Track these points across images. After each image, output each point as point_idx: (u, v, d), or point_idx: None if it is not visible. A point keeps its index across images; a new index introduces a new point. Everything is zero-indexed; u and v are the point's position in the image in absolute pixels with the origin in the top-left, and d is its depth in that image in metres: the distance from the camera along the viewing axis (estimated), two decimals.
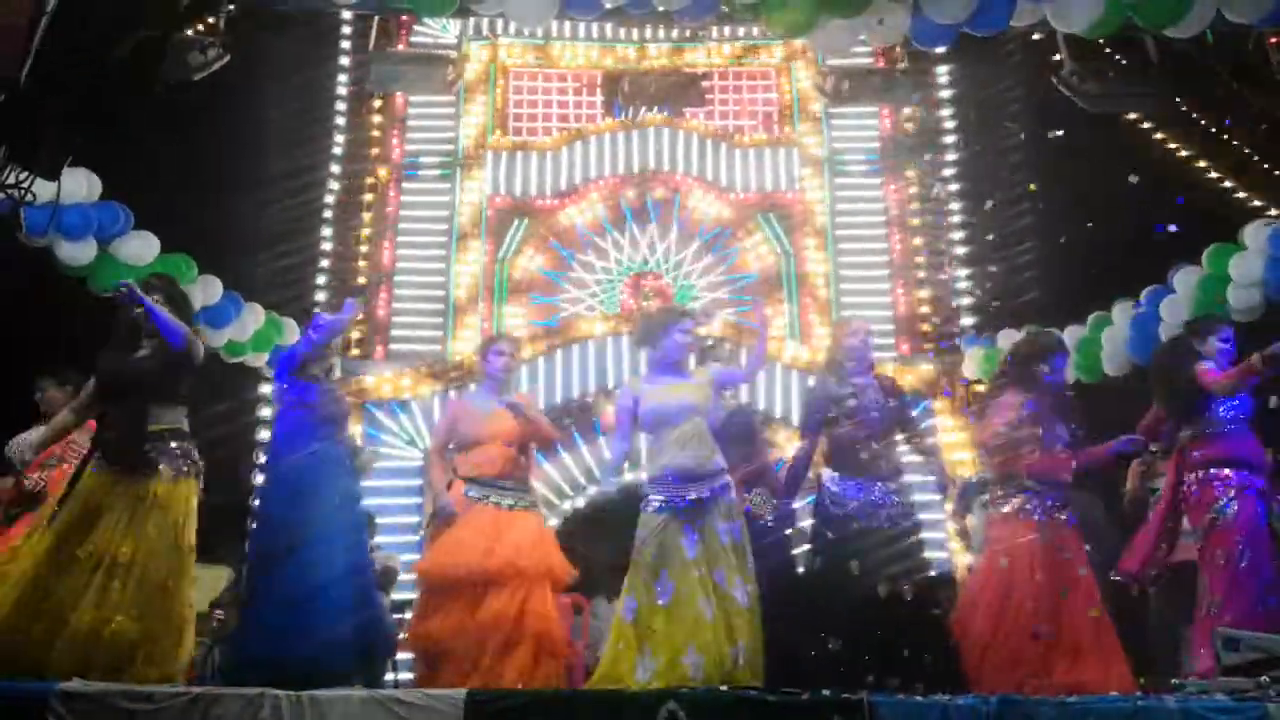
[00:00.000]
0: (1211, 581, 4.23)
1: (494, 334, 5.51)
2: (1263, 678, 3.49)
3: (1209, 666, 3.91)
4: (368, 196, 8.93)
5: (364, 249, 8.78)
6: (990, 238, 8.71)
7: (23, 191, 3.27)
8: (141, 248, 6.33)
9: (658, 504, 3.94)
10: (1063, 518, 4.35)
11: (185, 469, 3.99)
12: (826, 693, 3.45)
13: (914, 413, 4.88)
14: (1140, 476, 5.31)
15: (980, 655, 4.21)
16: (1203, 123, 7.32)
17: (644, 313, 4.83)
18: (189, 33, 6.16)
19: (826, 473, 4.53)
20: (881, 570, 4.21)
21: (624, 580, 3.96)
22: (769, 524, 4.60)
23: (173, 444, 3.98)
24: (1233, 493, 4.26)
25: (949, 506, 6.21)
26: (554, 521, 7.12)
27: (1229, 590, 4.15)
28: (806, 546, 4.68)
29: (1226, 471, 4.30)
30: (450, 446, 4.66)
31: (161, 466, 3.93)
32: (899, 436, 4.59)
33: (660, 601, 3.77)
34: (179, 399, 4.07)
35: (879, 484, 4.37)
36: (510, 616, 4.13)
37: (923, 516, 4.74)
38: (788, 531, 4.70)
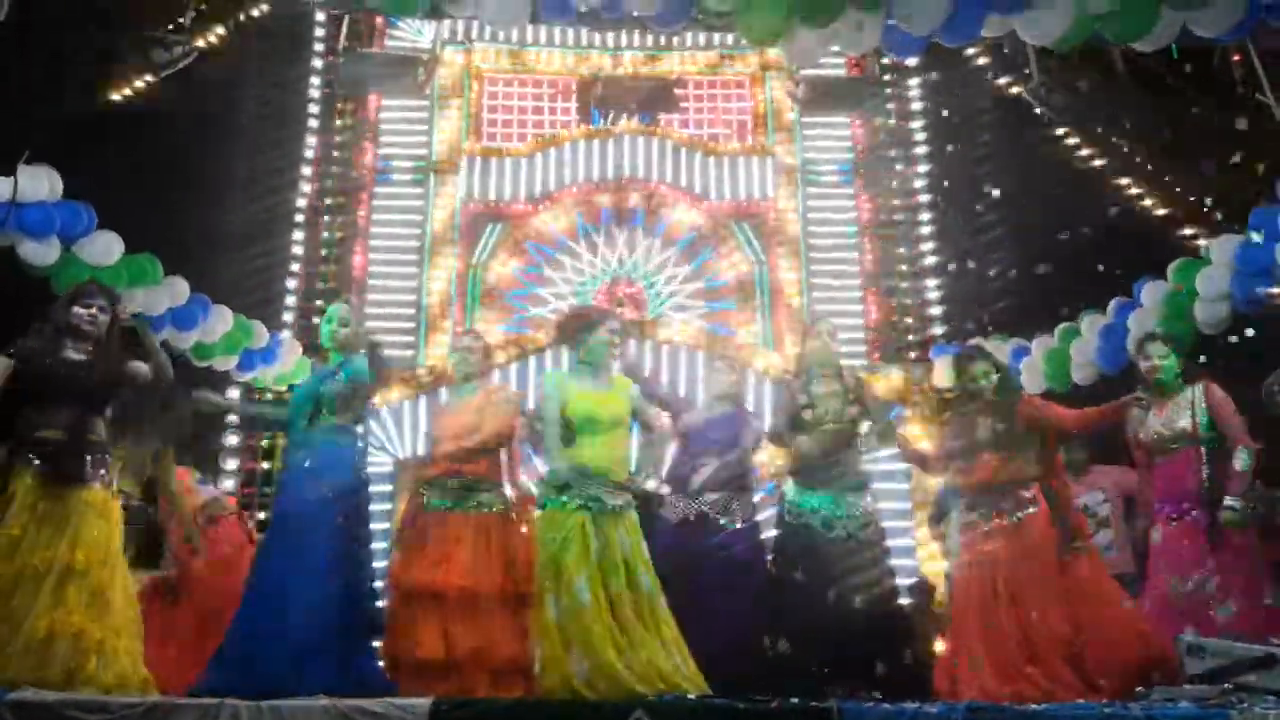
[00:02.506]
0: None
1: (461, 331, 5.45)
2: (1226, 685, 3.52)
3: None
4: (340, 200, 8.86)
5: (335, 253, 8.72)
6: (961, 248, 8.80)
7: None
8: (105, 248, 6.21)
9: (573, 503, 3.94)
10: (1019, 519, 4.33)
11: (111, 481, 4.03)
12: (795, 700, 3.44)
13: (890, 418, 4.80)
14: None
15: (960, 666, 4.21)
16: (1166, 134, 7.43)
17: (565, 313, 4.79)
18: (157, 30, 6.06)
19: (789, 483, 4.54)
20: (840, 580, 4.21)
21: (541, 581, 3.92)
22: (736, 529, 4.59)
23: (105, 455, 4.01)
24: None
25: (920, 515, 6.24)
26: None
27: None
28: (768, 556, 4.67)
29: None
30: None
31: (102, 473, 3.97)
32: (872, 442, 4.57)
33: (583, 599, 3.76)
34: (104, 412, 4.07)
35: (840, 495, 4.36)
36: (469, 645, 4.02)
37: (891, 524, 4.74)
38: (754, 541, 4.67)
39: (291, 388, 4.57)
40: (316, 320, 8.39)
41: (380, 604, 4.26)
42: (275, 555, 4.05)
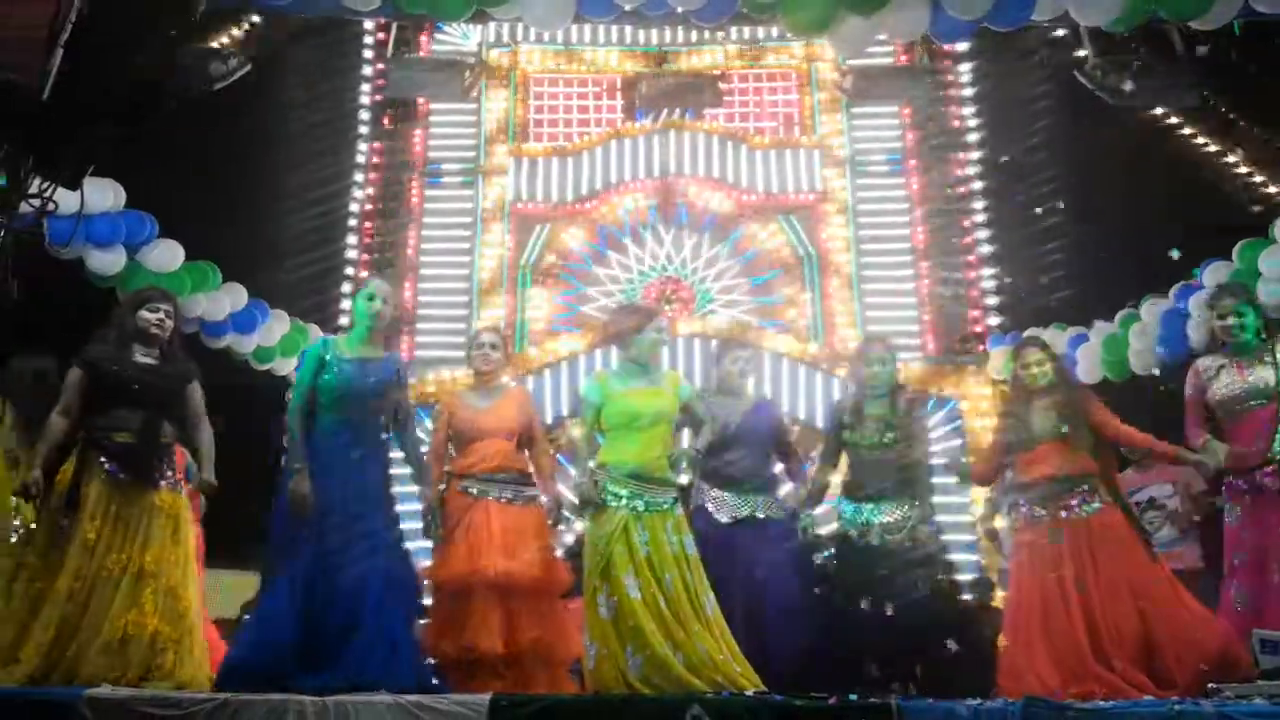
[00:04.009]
0: None
1: (482, 327, 5.35)
2: None
3: None
4: (391, 205, 8.97)
5: (388, 256, 8.83)
6: (1018, 235, 8.63)
7: (45, 200, 3.31)
8: (167, 256, 6.39)
9: (617, 501, 3.95)
10: (1086, 514, 4.22)
11: (178, 481, 4.12)
12: (853, 697, 3.41)
13: (924, 424, 4.70)
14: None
15: (1021, 664, 4.12)
16: (1230, 116, 7.21)
17: (614, 312, 4.80)
18: (212, 44, 6.22)
19: (839, 495, 4.56)
20: (887, 585, 4.21)
21: (590, 579, 3.92)
22: (787, 530, 4.56)
23: (172, 457, 4.11)
24: None
25: (979, 509, 6.15)
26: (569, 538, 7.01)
27: None
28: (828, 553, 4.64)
29: None
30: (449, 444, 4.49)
31: (170, 474, 4.07)
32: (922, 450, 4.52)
33: (633, 596, 3.77)
34: (172, 415, 4.13)
35: (886, 503, 4.37)
36: (508, 628, 4.03)
37: (950, 519, 4.67)
38: (804, 539, 4.62)
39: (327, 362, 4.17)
40: None
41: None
42: (314, 543, 3.90)
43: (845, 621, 4.22)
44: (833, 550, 4.50)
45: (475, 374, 4.57)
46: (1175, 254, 6.85)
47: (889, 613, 4.17)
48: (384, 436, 4.16)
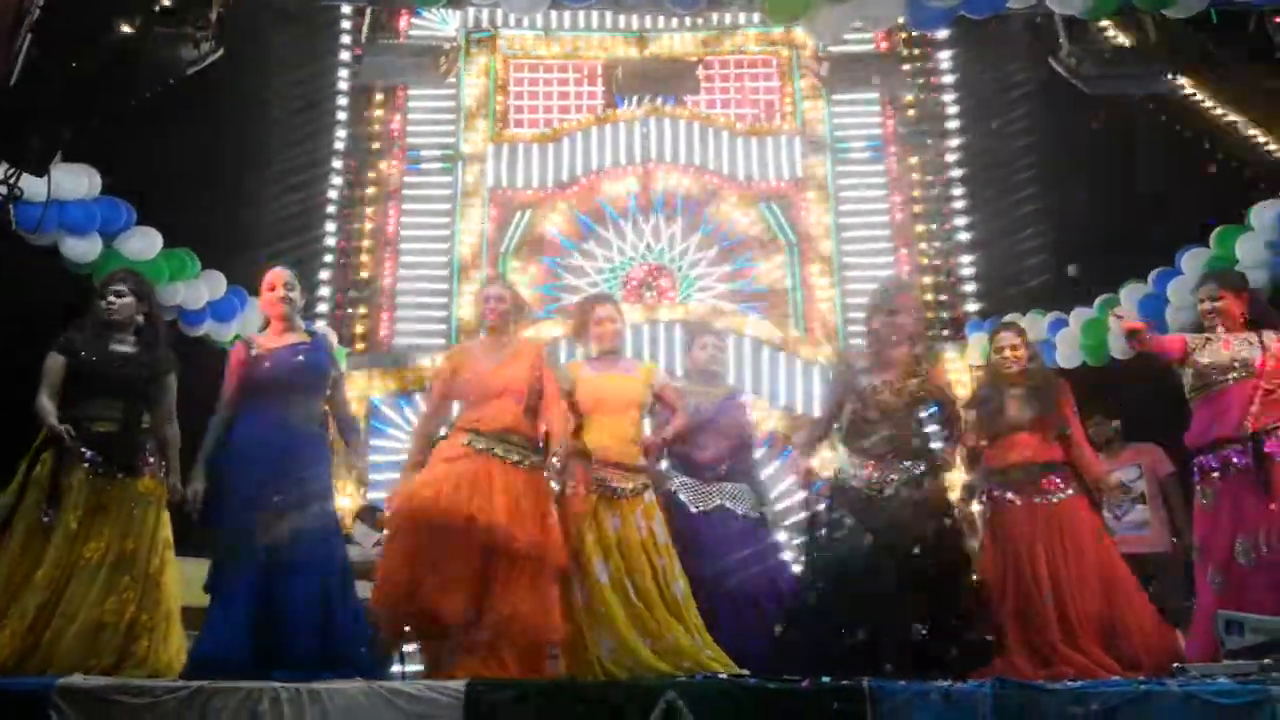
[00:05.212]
0: None
1: (491, 277, 5.09)
2: (1265, 660, 3.47)
3: None
4: (370, 192, 8.94)
5: (367, 243, 8.81)
6: (997, 222, 8.67)
7: (10, 186, 3.28)
8: (144, 243, 6.34)
9: (586, 487, 3.96)
10: (1056, 500, 4.27)
11: (160, 468, 4.08)
12: (827, 680, 3.44)
13: (930, 412, 4.42)
14: None
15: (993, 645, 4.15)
16: (1205, 102, 7.26)
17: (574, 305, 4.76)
18: (183, 29, 6.16)
19: (839, 448, 4.45)
20: (885, 535, 4.01)
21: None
22: (755, 520, 4.54)
23: (150, 444, 4.06)
24: None
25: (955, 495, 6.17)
26: None
27: None
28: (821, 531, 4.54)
29: None
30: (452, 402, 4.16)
31: (151, 461, 4.04)
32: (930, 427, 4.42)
33: (602, 581, 3.79)
34: (152, 403, 4.10)
35: (889, 460, 4.20)
36: (482, 595, 3.65)
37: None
38: (781, 527, 4.62)
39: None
40: (351, 311, 8.54)
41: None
42: (266, 537, 3.78)
43: (837, 569, 4.03)
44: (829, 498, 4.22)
45: (486, 330, 4.22)
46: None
47: (880, 557, 3.97)
48: (324, 419, 4.10)
